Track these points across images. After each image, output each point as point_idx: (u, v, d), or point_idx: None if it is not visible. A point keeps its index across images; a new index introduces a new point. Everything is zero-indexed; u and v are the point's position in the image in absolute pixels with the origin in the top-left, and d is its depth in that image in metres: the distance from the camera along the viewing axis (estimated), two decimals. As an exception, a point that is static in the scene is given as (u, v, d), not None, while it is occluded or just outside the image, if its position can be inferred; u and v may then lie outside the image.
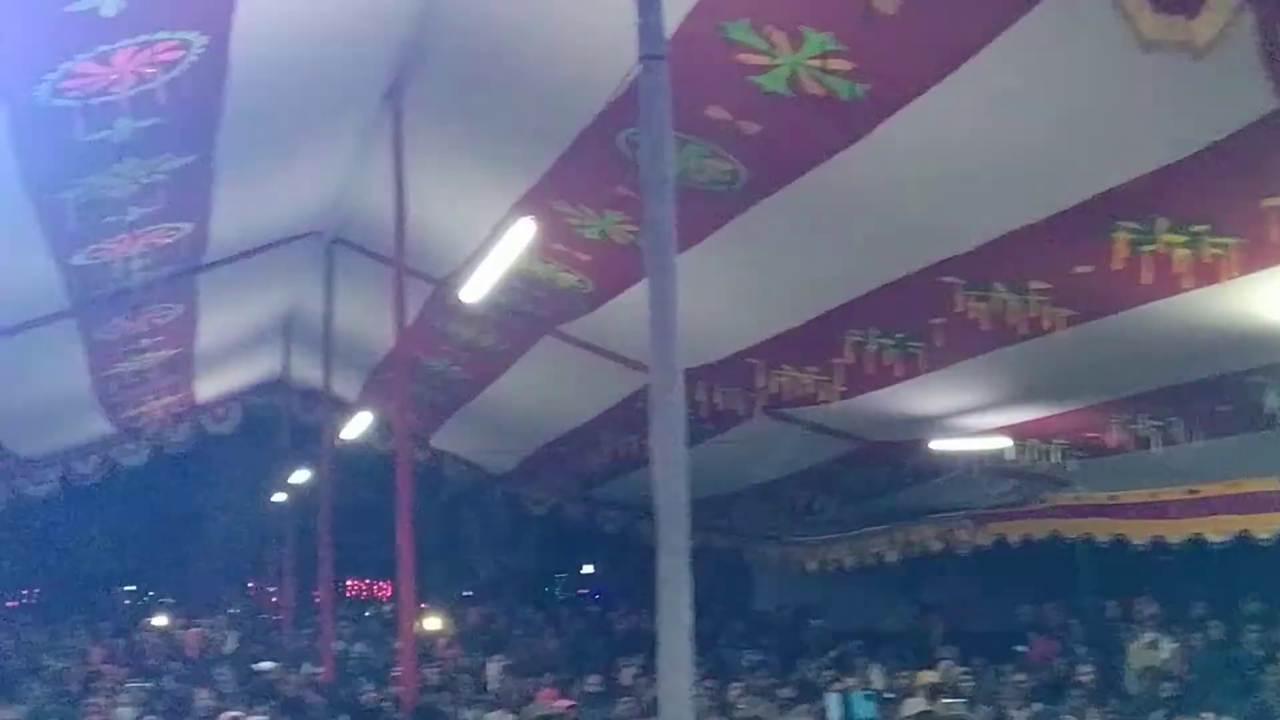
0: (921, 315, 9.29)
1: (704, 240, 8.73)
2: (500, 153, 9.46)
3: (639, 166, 8.01)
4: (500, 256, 9.14)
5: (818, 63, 6.64)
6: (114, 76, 6.48)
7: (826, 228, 8.56)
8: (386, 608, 22.01)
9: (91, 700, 11.15)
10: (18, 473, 16.87)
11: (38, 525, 21.45)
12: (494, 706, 11.44)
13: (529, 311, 12.35)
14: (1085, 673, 12.41)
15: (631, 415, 13.79)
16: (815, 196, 8.02)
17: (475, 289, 9.86)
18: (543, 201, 9.52)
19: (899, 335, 9.84)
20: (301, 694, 12.51)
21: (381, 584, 27.69)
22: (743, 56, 6.76)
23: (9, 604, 23.76)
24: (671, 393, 4.79)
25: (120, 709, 10.94)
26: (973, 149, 7.18)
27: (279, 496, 20.22)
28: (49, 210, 8.17)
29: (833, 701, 10.63)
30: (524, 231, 8.66)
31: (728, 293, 9.90)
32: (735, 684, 11.66)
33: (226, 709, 10.71)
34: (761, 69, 6.82)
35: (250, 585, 24.94)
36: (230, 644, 17.23)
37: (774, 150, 7.70)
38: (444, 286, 12.34)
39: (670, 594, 4.71)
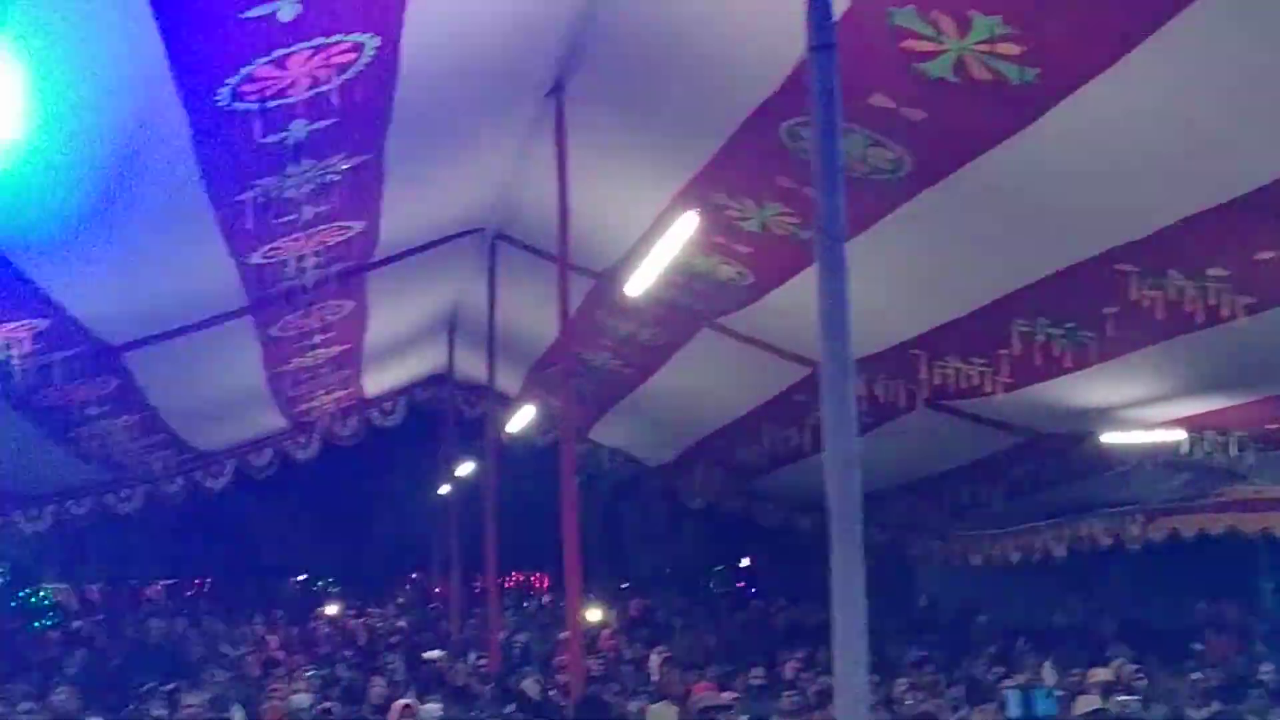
0: (1093, 304, 9.06)
1: (867, 230, 8.64)
2: (660, 146, 9.49)
3: (806, 157, 8.03)
4: (663, 250, 9.18)
5: (985, 47, 6.53)
6: (290, 80, 6.66)
7: (994, 215, 8.41)
8: (545, 598, 22.28)
9: (274, 686, 11.51)
10: (196, 466, 17.52)
11: (214, 516, 22.20)
12: (657, 698, 11.50)
13: (688, 304, 12.37)
14: (1266, 671, 12.00)
15: (790, 408, 13.75)
16: (982, 184, 7.89)
17: (638, 283, 9.92)
18: (703, 194, 9.52)
19: (1069, 325, 9.62)
20: (468, 683, 12.75)
21: (537, 575, 28.09)
22: (908, 43, 6.68)
23: (188, 592, 24.69)
24: (843, 385, 4.75)
25: (296, 695, 11.28)
26: (1148, 133, 6.99)
27: (443, 489, 20.65)
28: (228, 211, 8.44)
29: (1012, 698, 10.44)
30: (687, 225, 8.68)
31: (890, 283, 9.80)
32: (900, 680, 11.53)
33: (398, 697, 10.96)
34: (928, 55, 6.73)
35: (416, 575, 25.48)
36: (399, 632, 17.62)
37: (940, 137, 7.58)
38: (604, 280, 12.44)
39: (844, 588, 4.67)
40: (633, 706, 10.75)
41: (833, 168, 4.68)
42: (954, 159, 7.82)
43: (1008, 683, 11.17)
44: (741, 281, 11.13)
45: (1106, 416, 11.52)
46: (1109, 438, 11.81)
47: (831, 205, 4.70)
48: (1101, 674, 11.77)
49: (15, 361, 9.38)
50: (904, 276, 9.74)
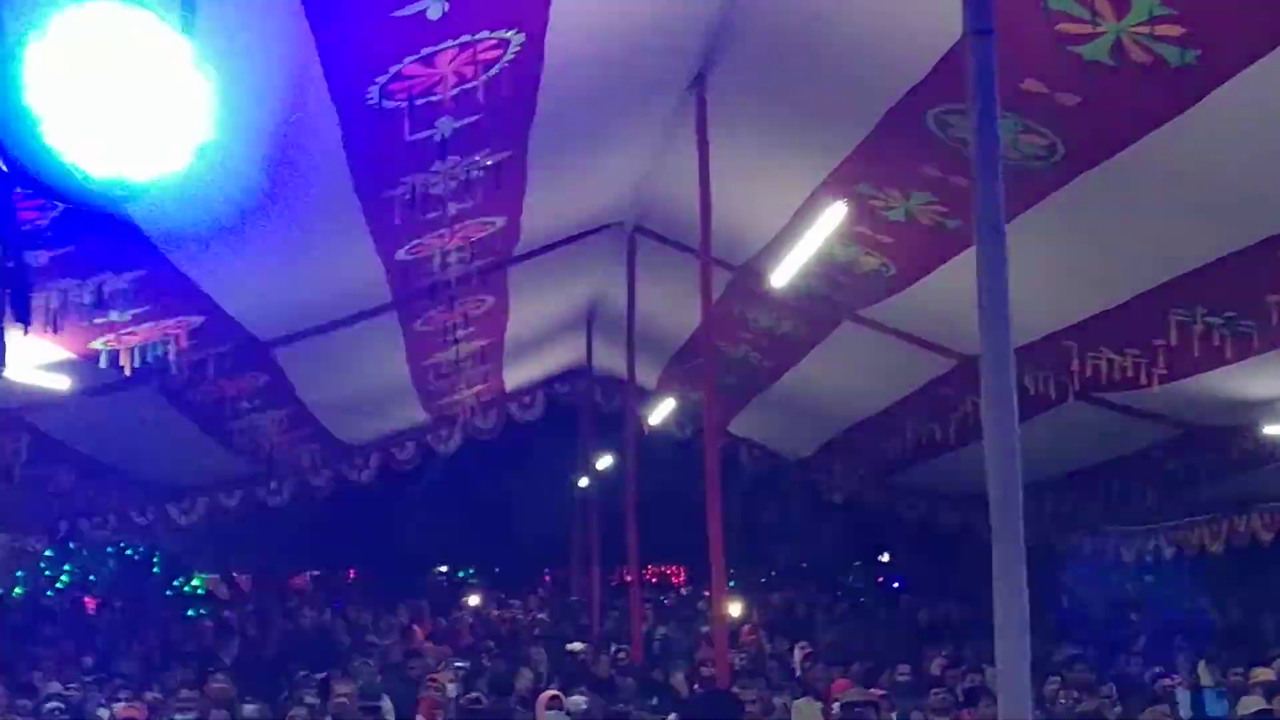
0: (1255, 292, 8.72)
1: (1018, 218, 8.40)
2: (803, 137, 9.38)
3: (955, 145, 7.89)
4: (808, 241, 9.08)
5: (1144, 29, 6.30)
6: (437, 77, 6.74)
7: (1151, 202, 8.14)
8: (684, 591, 22.29)
9: (431, 676, 11.68)
10: (342, 459, 17.89)
11: (359, 509, 22.63)
12: (800, 693, 11.42)
13: (829, 296, 12.23)
14: None
15: (934, 401, 13.52)
16: (1139, 169, 7.63)
17: (783, 273, 9.83)
18: (846, 184, 9.40)
19: (1229, 314, 9.27)
20: (611, 675, 12.80)
21: (673, 569, 28.16)
22: (1063, 26, 6.48)
23: (333, 583, 25.21)
24: (1004, 375, 4.63)
25: (444, 685, 11.45)
26: (1315, 115, 6.72)
27: (582, 482, 20.79)
28: (375, 208, 8.59)
29: (1183, 698, 10.17)
30: (834, 215, 8.57)
31: (1041, 273, 9.52)
32: (1052, 678, 11.26)
33: (543, 688, 11.05)
34: (1083, 38, 6.52)
35: (554, 568, 25.68)
36: (540, 624, 17.78)
37: (1095, 122, 7.36)
38: (743, 273, 12.37)
39: (1006, 583, 4.56)
40: (777, 701, 10.68)
41: (992, 155, 4.57)
42: (1109, 145, 7.58)
43: (1165, 682, 10.86)
44: (885, 273, 10.95)
45: (1268, 408, 11.11)
46: (1271, 429, 11.40)
47: (991, 193, 4.59)
48: (1264, 674, 11.37)
49: (173, 357, 9.68)
50: (1055, 266, 9.47)
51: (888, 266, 10.80)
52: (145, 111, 3.23)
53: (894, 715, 10.17)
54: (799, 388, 15.50)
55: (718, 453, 9.95)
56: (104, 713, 11.28)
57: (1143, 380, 10.66)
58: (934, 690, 11.14)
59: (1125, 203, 8.22)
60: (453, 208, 9.05)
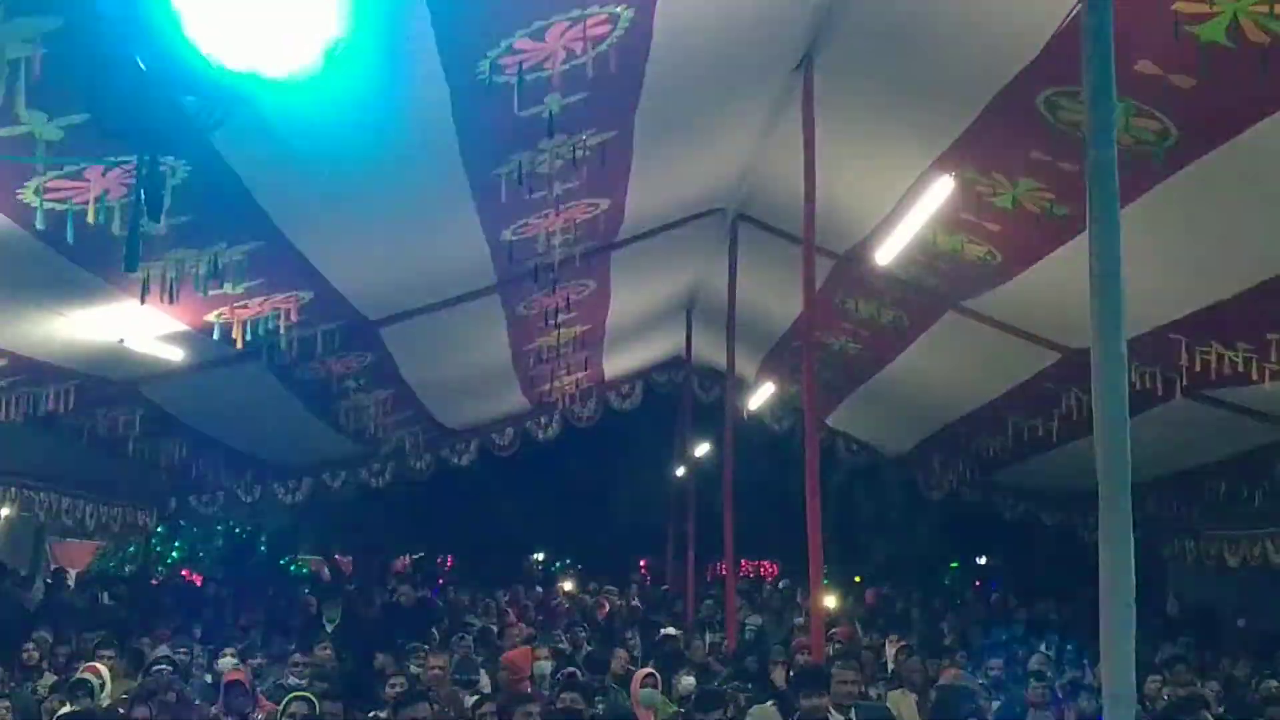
0: (1376, 285, 8.50)
1: (1127, 206, 8.25)
2: (910, 122, 9.27)
3: (1064, 129, 7.78)
4: (912, 223, 9.01)
5: (1263, 8, 6.18)
6: (547, 52, 6.78)
7: (1267, 189, 7.93)
8: (781, 584, 22.21)
9: (508, 656, 11.81)
10: (442, 443, 18.14)
11: (458, 493, 22.88)
12: (895, 685, 11.34)
13: (932, 286, 12.11)
14: None
15: (1038, 396, 13.31)
16: (1255, 154, 7.45)
17: (887, 252, 9.78)
18: (952, 169, 9.30)
19: (1349, 308, 9.04)
20: (707, 661, 12.83)
21: (765, 564, 28.08)
22: (1179, 6, 6.37)
23: (432, 566, 25.53)
24: (1115, 364, 4.55)
25: (539, 663, 11.56)
26: None
27: (679, 471, 20.83)
28: (482, 187, 8.67)
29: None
30: (941, 191, 8.51)
31: (1149, 263, 9.31)
32: (1153, 677, 11.06)
33: (636, 670, 11.10)
34: (1200, 18, 6.40)
35: (649, 557, 25.76)
36: (634, 611, 17.86)
37: (1211, 106, 7.20)
38: (846, 261, 12.30)
39: (1113, 578, 4.49)
40: (872, 693, 10.63)
41: (1106, 121, 4.50)
42: (1224, 129, 7.40)
43: (1272, 684, 10.59)
44: (990, 261, 10.82)
45: (1386, 409, 10.80)
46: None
47: (1104, 162, 4.52)
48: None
49: (283, 330, 9.88)
50: (1165, 256, 9.25)
51: (993, 255, 10.66)
52: (278, 5, 3.32)
53: (994, 705, 10.07)
54: (899, 381, 15.37)
55: (818, 446, 9.86)
56: (209, 676, 11.58)
57: (1254, 376, 10.38)
58: (1033, 684, 11.02)
59: (1240, 190, 8.04)
60: (558, 188, 9.10)
